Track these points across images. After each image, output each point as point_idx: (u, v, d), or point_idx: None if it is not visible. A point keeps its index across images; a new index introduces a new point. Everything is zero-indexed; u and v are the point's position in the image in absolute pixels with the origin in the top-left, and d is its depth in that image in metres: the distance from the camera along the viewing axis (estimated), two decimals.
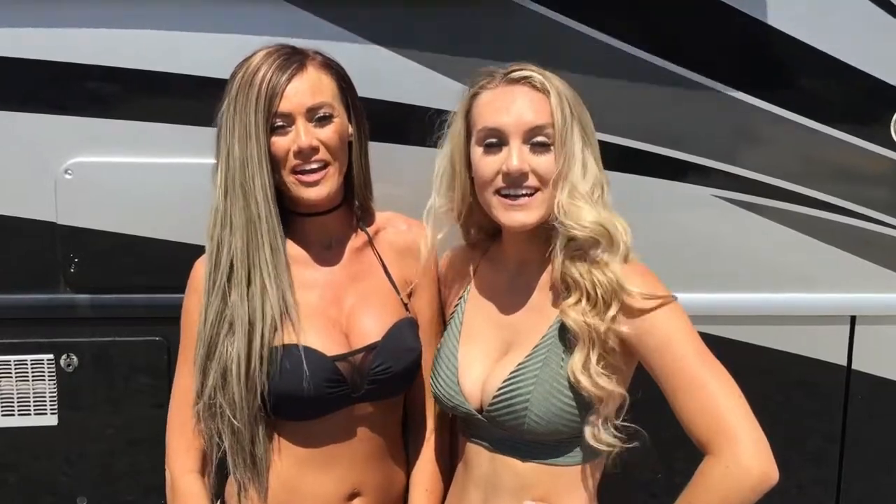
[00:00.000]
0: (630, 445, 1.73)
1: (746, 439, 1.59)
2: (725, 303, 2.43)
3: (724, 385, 1.64)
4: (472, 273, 1.95)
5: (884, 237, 2.43)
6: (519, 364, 1.75)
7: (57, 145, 2.24)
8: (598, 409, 1.70)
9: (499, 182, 1.73)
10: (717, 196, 2.38)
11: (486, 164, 1.74)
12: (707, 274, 2.40)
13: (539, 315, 1.79)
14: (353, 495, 1.91)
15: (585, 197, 1.72)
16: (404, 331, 1.91)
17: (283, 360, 1.79)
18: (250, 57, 1.83)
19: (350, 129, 1.90)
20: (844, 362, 2.49)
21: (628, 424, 1.72)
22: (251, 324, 1.79)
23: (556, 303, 1.77)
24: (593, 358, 1.69)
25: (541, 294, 1.82)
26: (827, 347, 2.49)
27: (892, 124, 2.37)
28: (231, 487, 1.92)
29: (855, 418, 2.52)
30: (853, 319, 2.48)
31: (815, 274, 2.44)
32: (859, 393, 2.51)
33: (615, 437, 1.71)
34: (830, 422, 2.53)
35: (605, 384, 1.68)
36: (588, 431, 1.71)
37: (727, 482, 1.58)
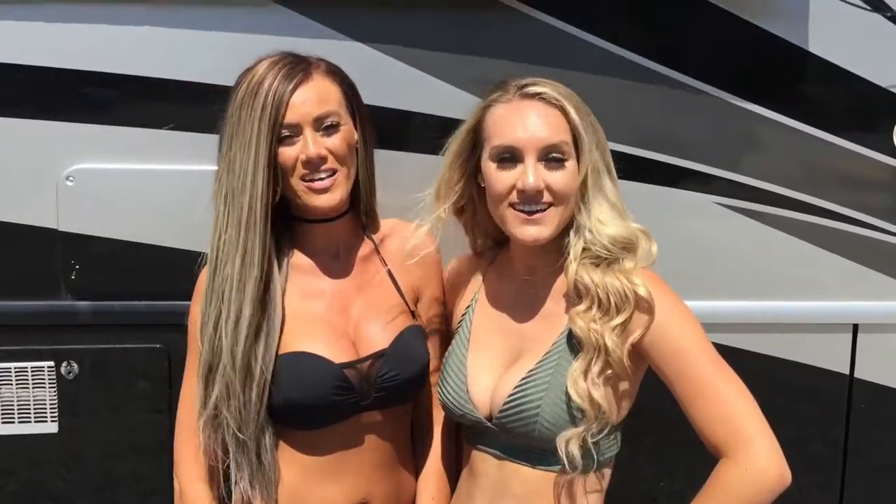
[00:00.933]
0: (590, 466, 1.71)
1: (763, 442, 1.62)
2: (728, 311, 2.43)
3: (738, 390, 1.67)
4: (479, 282, 1.95)
5: (886, 245, 2.43)
6: (529, 371, 1.75)
7: (59, 152, 2.24)
8: (583, 421, 1.69)
9: (513, 198, 1.73)
10: (719, 204, 2.38)
11: (500, 179, 1.74)
12: (709, 282, 2.39)
13: (549, 323, 1.79)
14: None
15: (614, 208, 1.74)
16: (411, 338, 1.91)
17: (290, 367, 1.79)
18: (254, 66, 1.81)
19: (355, 136, 1.89)
20: (847, 370, 2.49)
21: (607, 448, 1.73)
22: (245, 332, 1.77)
23: (566, 310, 1.78)
24: (595, 368, 1.69)
25: (551, 302, 1.82)
26: (829, 356, 2.48)
27: (895, 133, 2.37)
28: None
29: (857, 426, 2.52)
30: (856, 328, 2.48)
31: (818, 282, 2.44)
32: (862, 401, 2.50)
33: (587, 452, 1.69)
34: (833, 429, 2.53)
35: (596, 396, 1.67)
36: (560, 440, 1.68)
37: (746, 484, 1.60)
